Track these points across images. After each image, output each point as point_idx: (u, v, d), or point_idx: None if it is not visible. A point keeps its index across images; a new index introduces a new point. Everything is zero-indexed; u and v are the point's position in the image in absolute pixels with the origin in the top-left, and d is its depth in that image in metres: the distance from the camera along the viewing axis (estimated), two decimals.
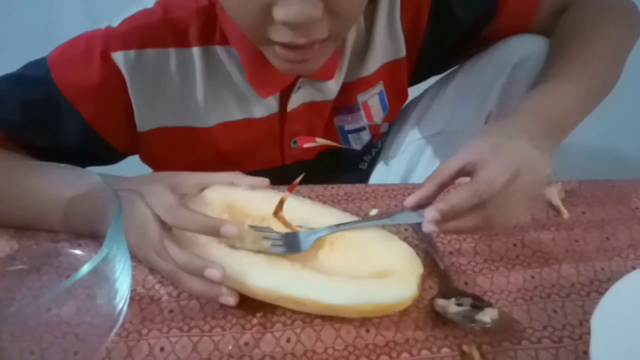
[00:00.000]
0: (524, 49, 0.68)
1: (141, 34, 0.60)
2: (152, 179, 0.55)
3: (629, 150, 1.37)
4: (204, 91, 0.65)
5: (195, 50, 0.63)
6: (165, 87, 0.64)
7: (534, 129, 0.52)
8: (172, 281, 0.50)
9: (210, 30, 0.62)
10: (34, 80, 0.60)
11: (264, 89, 0.65)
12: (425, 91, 0.82)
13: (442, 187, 0.51)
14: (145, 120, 0.65)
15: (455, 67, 0.78)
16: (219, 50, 0.64)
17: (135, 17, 0.61)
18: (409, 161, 0.78)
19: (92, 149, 0.65)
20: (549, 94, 0.57)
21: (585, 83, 0.58)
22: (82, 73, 0.60)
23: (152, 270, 0.53)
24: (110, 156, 0.69)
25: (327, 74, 0.68)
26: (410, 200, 0.51)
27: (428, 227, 0.49)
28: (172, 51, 0.62)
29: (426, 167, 0.77)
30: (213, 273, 0.45)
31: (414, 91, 0.83)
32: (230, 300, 0.47)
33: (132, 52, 0.60)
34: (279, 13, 0.48)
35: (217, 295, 0.47)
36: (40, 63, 0.61)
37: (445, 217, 0.48)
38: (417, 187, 0.65)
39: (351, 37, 0.68)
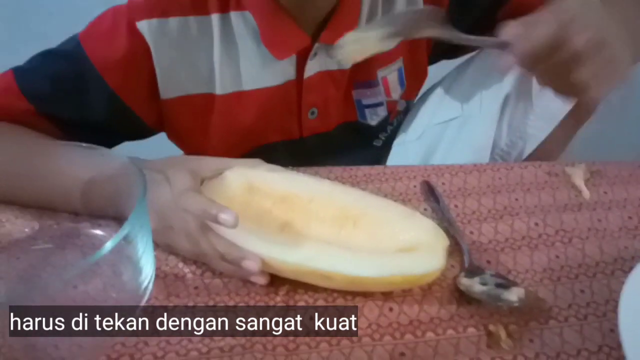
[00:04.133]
0: None
1: (162, 2, 0.62)
2: (175, 162, 0.55)
3: None
4: (220, 58, 0.65)
5: (214, 17, 0.64)
6: (187, 54, 0.65)
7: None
8: (199, 260, 0.51)
9: None
10: (64, 55, 0.62)
11: (279, 50, 0.66)
12: (443, 78, 0.82)
13: None
14: (167, 87, 0.66)
15: (473, 53, 0.77)
16: (234, 16, 0.64)
17: None
18: (428, 146, 0.78)
19: (120, 122, 0.66)
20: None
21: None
22: (110, 44, 0.61)
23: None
24: (139, 131, 0.70)
25: None
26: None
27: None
28: (192, 19, 0.64)
29: (445, 152, 0.76)
30: (251, 265, 0.46)
31: (431, 78, 0.82)
32: (262, 280, 0.48)
33: (155, 21, 0.62)
34: None
35: (248, 275, 0.48)
36: (72, 39, 0.63)
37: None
38: (437, 169, 0.65)
39: (366, 3, 0.68)
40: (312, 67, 0.68)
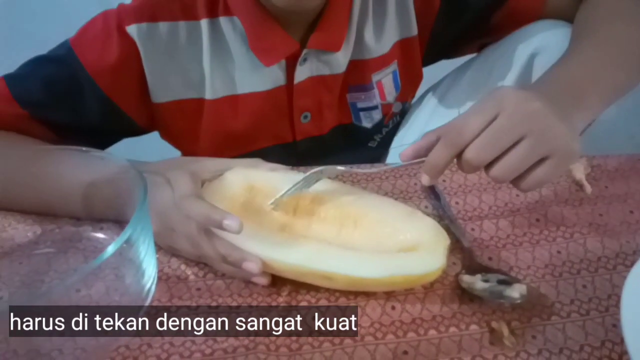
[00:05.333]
0: (539, 38, 0.66)
1: (151, 7, 0.62)
2: (175, 164, 0.55)
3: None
4: (210, 63, 0.65)
5: (203, 23, 0.64)
6: (177, 59, 0.65)
7: (558, 97, 0.50)
8: (201, 261, 0.51)
9: (214, 0, 0.64)
10: (57, 60, 0.63)
11: (267, 57, 0.65)
12: (441, 81, 0.81)
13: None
14: (158, 92, 0.66)
15: (472, 56, 0.77)
16: (223, 21, 0.64)
17: None
18: None
19: (114, 123, 0.66)
20: (568, 63, 0.55)
21: (613, 50, 0.57)
22: (101, 48, 0.62)
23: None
24: (133, 130, 0.70)
25: (333, 44, 0.67)
26: (408, 152, 0.51)
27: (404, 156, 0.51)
28: (182, 24, 0.64)
29: None
30: (251, 267, 0.46)
31: (429, 79, 0.82)
32: (263, 280, 0.48)
33: (144, 25, 0.62)
34: None
35: (250, 276, 0.48)
36: (63, 44, 0.63)
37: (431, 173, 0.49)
38: None
39: (356, 7, 0.68)
40: (303, 73, 0.68)
